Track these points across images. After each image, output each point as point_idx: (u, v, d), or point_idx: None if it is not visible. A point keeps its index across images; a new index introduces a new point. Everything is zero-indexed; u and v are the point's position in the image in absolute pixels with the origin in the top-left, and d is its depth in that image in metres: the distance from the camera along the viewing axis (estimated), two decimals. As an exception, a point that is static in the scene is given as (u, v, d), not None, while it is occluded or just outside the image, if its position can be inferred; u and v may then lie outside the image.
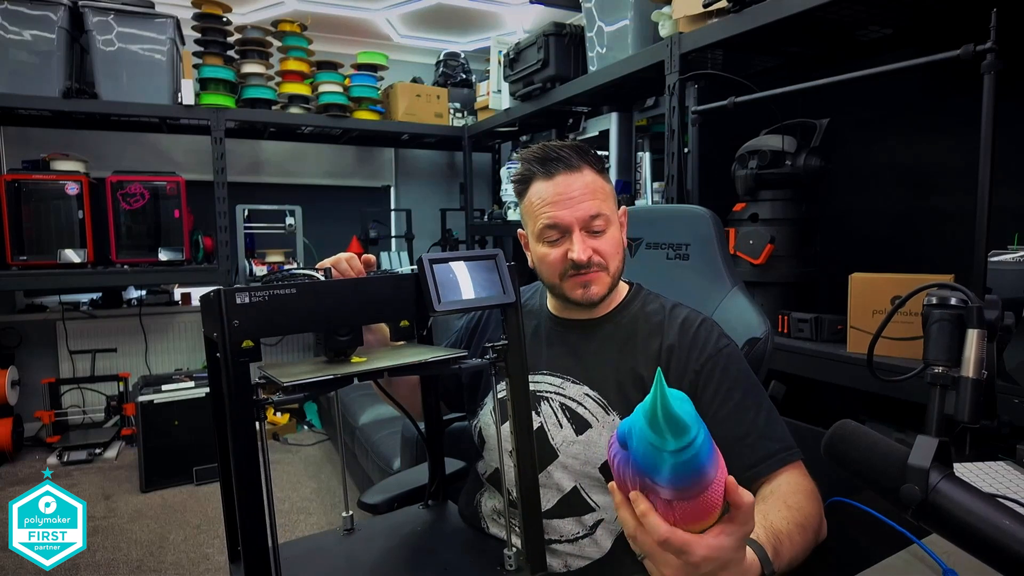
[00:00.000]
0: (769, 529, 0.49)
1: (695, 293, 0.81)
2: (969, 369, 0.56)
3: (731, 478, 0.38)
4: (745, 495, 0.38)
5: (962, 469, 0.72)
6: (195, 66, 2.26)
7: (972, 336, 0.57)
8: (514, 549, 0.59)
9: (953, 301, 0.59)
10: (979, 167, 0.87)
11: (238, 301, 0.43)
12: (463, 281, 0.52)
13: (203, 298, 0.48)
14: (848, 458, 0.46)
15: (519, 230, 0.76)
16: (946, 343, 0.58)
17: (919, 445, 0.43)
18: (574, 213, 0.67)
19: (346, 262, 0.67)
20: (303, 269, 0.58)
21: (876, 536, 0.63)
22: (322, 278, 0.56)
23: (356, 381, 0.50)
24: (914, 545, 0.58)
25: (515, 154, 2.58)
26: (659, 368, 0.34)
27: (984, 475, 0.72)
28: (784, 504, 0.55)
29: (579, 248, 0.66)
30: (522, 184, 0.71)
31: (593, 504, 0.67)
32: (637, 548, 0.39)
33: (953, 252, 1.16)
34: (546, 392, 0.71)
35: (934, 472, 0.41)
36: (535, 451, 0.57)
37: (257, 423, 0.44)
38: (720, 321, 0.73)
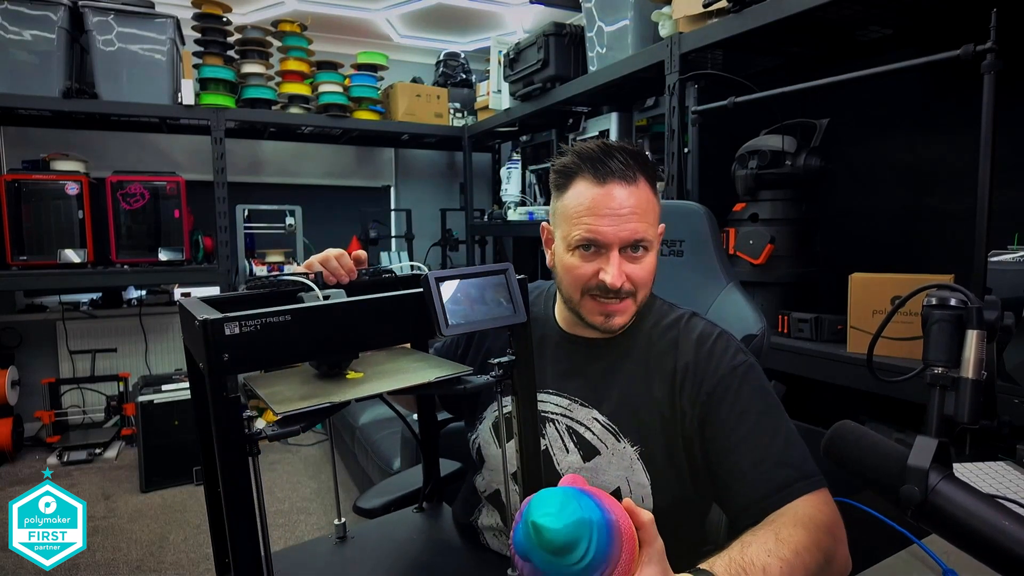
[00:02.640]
0: (737, 561, 0.47)
1: (690, 291, 0.80)
2: (969, 369, 0.56)
3: (628, 501, 0.40)
4: (643, 514, 0.40)
5: (962, 469, 0.72)
6: (195, 66, 2.25)
7: (972, 336, 0.56)
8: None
9: (953, 301, 0.58)
10: (979, 167, 0.87)
11: (227, 332, 0.38)
12: (471, 300, 0.48)
13: (181, 307, 0.43)
14: (848, 458, 0.46)
15: (543, 223, 0.69)
16: (946, 343, 0.58)
17: (919, 445, 0.43)
18: (618, 232, 0.60)
19: (335, 260, 0.60)
20: (291, 275, 0.53)
21: (876, 536, 0.63)
22: (311, 283, 0.53)
23: (355, 402, 0.47)
24: (914, 545, 0.59)
25: (515, 154, 2.58)
26: (534, 524, 0.37)
27: (984, 475, 0.72)
28: (774, 536, 0.50)
29: (614, 272, 0.60)
30: (564, 178, 0.63)
31: None
32: None
33: (953, 252, 1.16)
34: (551, 413, 0.67)
35: (934, 473, 0.41)
36: (542, 475, 0.54)
37: (251, 458, 0.40)
38: (716, 319, 0.71)
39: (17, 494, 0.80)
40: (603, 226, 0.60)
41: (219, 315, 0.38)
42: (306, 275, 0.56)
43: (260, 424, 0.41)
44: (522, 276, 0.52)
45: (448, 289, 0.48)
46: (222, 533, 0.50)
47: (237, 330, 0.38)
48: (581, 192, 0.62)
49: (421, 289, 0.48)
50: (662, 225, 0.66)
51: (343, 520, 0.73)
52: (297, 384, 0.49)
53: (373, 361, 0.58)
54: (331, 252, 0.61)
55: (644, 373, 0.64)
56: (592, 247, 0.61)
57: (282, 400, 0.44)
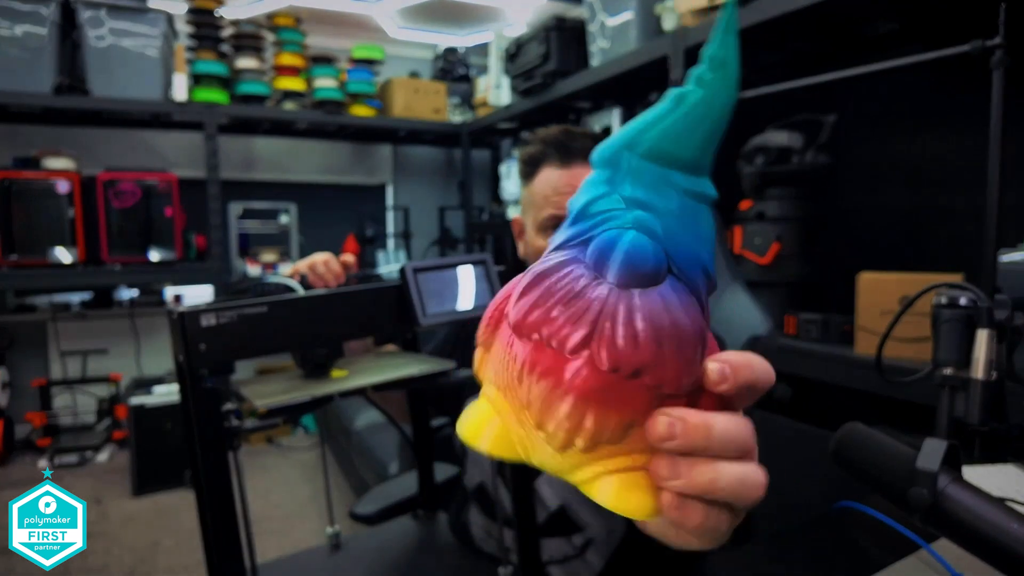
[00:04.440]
0: None
1: (694, 290, 0.79)
2: (979, 370, 0.55)
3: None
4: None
5: (971, 472, 0.70)
6: (188, 61, 2.22)
7: (982, 337, 0.55)
8: (510, 567, 0.56)
9: (963, 301, 0.57)
10: (988, 164, 0.85)
11: (203, 324, 0.38)
12: (449, 291, 0.49)
13: (169, 315, 0.43)
14: (856, 461, 0.45)
15: (514, 216, 0.71)
16: (955, 344, 0.57)
17: (927, 448, 0.41)
18: None
19: (323, 264, 0.60)
20: (275, 278, 0.53)
21: (885, 541, 0.61)
22: (298, 286, 0.52)
23: (337, 399, 0.46)
24: (923, 550, 0.57)
25: (515, 151, 2.56)
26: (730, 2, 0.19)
27: (994, 478, 0.70)
28: None
29: None
30: (531, 166, 0.65)
31: (582, 523, 0.64)
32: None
33: (962, 251, 1.15)
34: None
35: (942, 475, 0.40)
36: (529, 468, 0.54)
37: (231, 452, 0.40)
38: (720, 319, 0.70)
39: (9, 498, 0.79)
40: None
41: (195, 307, 0.38)
42: (291, 279, 0.55)
43: (248, 423, 0.40)
44: (500, 267, 0.51)
45: (426, 280, 0.48)
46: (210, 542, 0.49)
47: (214, 321, 0.39)
48: (547, 176, 0.64)
49: (399, 281, 0.48)
50: None
51: (336, 528, 0.72)
52: (282, 383, 0.49)
53: (359, 361, 0.58)
54: (318, 257, 0.61)
55: None
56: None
57: (264, 396, 0.44)
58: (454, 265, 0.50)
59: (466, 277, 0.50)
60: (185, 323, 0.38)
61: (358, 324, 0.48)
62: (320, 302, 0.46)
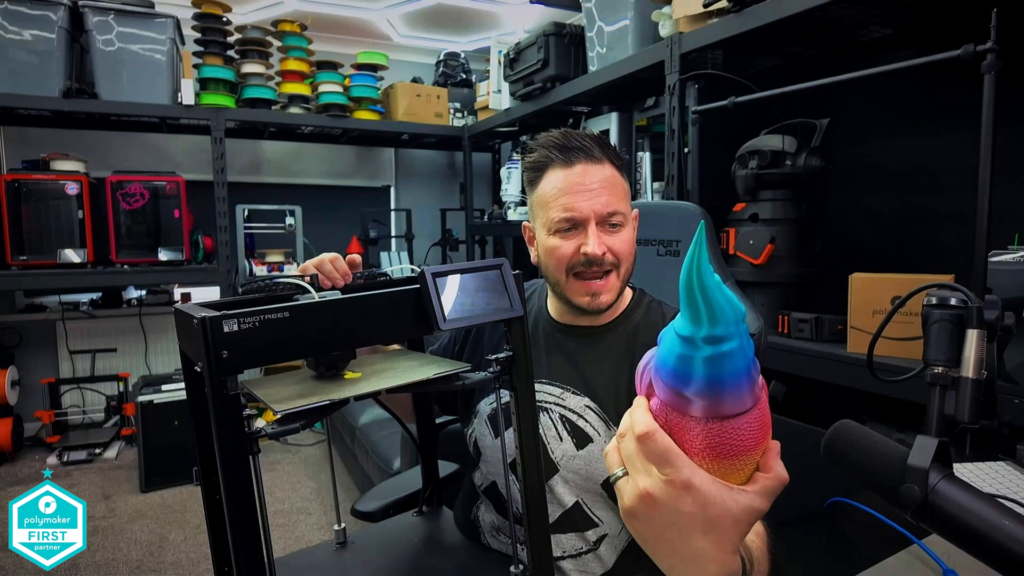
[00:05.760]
0: (745, 548, 0.42)
1: (687, 290, 0.81)
2: (969, 369, 0.56)
3: (776, 443, 0.29)
4: (779, 468, 0.28)
5: (962, 469, 0.72)
6: (195, 66, 2.26)
7: (972, 336, 0.57)
8: (520, 566, 0.56)
9: (953, 301, 0.59)
10: (979, 167, 0.87)
11: (226, 329, 0.37)
12: (468, 294, 0.49)
13: (177, 312, 0.43)
14: (847, 458, 0.46)
15: (524, 222, 0.72)
16: (946, 343, 0.58)
17: (919, 445, 0.42)
18: (592, 205, 0.63)
19: (331, 263, 0.61)
20: (287, 277, 0.53)
21: (876, 536, 0.63)
22: (308, 285, 0.53)
23: (353, 400, 0.46)
24: (914, 545, 0.59)
25: (515, 154, 2.58)
26: (702, 222, 0.26)
27: (984, 475, 0.72)
28: (753, 530, 0.47)
29: (594, 242, 0.62)
30: (536, 171, 0.67)
31: (596, 519, 0.65)
32: (615, 460, 0.29)
33: (953, 252, 1.16)
34: (545, 403, 0.68)
35: (933, 472, 0.41)
36: (542, 467, 0.54)
37: (251, 457, 0.40)
38: None
39: (17, 494, 0.80)
40: (578, 202, 0.63)
41: (217, 313, 0.38)
42: (302, 278, 0.56)
43: (260, 423, 0.41)
44: (517, 271, 0.52)
45: (445, 284, 0.48)
46: (221, 536, 0.49)
47: (236, 327, 0.38)
48: (553, 178, 0.65)
49: (418, 285, 0.48)
50: (635, 210, 0.69)
51: (343, 525, 0.73)
52: (295, 385, 0.49)
53: (370, 362, 0.58)
54: (326, 256, 0.62)
55: (630, 365, 0.66)
56: (571, 226, 0.65)
57: (281, 400, 0.44)
58: (473, 270, 0.50)
59: (484, 281, 0.50)
60: (208, 329, 0.37)
61: (379, 328, 0.47)
62: (341, 307, 0.45)
